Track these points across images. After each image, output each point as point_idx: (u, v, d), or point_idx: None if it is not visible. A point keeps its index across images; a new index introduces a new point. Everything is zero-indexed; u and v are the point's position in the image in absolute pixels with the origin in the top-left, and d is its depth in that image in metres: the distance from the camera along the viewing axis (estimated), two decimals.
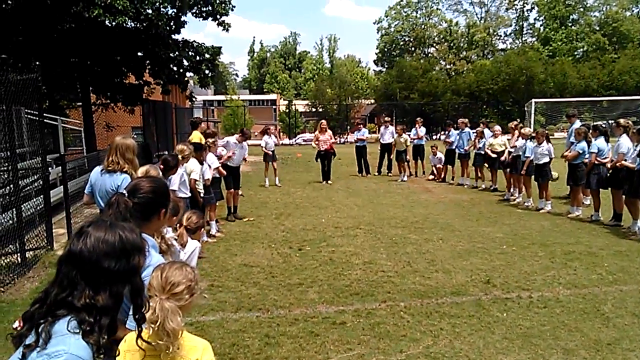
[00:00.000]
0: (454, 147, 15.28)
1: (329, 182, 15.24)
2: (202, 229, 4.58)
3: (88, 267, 1.55)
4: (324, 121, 16.74)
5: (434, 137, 39.35)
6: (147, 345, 1.98)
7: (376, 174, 17.45)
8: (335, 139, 18.08)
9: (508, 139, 12.66)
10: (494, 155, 12.90)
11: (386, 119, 18.66)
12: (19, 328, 5.10)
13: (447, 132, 16.15)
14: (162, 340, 2.01)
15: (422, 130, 16.89)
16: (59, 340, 1.45)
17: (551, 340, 4.66)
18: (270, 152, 14.74)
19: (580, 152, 9.83)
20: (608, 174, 9.39)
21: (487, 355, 4.39)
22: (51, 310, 1.51)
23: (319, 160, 15.62)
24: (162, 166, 6.16)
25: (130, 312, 1.78)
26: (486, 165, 13.73)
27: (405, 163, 15.90)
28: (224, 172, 9.66)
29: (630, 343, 4.59)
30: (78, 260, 1.56)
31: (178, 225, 4.30)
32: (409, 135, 16.67)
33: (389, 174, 17.11)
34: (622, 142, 8.96)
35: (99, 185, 4.84)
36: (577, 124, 11.54)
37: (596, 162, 9.44)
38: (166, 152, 20.35)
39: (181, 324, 2.05)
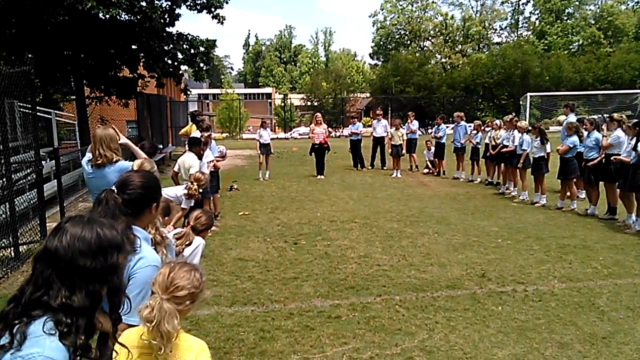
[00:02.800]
0: (442, 141, 15.33)
1: (323, 176, 15.21)
2: (209, 230, 4.48)
3: (62, 265, 1.50)
4: (319, 114, 16.71)
5: (429, 130, 39.36)
6: (141, 342, 1.95)
7: (369, 167, 17.43)
8: (330, 132, 18.01)
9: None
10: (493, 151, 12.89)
11: (378, 112, 18.64)
12: None
13: (437, 127, 16.15)
14: (155, 340, 1.98)
15: (414, 125, 16.88)
16: (34, 342, 1.41)
17: (546, 333, 4.67)
18: (266, 145, 14.69)
19: (571, 146, 9.84)
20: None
21: (482, 348, 4.39)
22: (27, 309, 1.47)
23: (313, 154, 15.59)
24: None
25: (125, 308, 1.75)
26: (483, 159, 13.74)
27: (400, 158, 15.83)
28: (220, 166, 9.64)
29: (624, 336, 4.60)
30: (53, 258, 1.51)
31: (187, 222, 4.24)
32: (403, 129, 16.65)
33: (383, 168, 17.07)
34: (617, 135, 8.98)
35: (94, 182, 4.73)
36: (572, 117, 11.51)
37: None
38: (160, 146, 20.28)
39: (177, 327, 2.01)
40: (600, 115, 23.71)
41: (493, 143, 12.92)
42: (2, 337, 1.44)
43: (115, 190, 2.38)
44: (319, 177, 15.14)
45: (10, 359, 1.39)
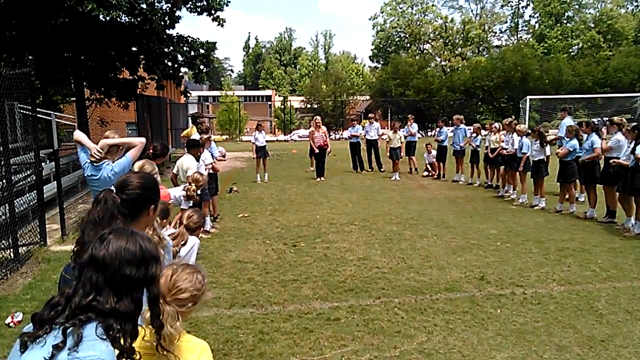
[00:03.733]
0: (444, 145, 15.34)
1: (323, 178, 15.23)
2: (202, 228, 4.56)
3: (110, 273, 1.58)
4: (318, 117, 16.70)
5: (429, 133, 39.40)
6: (144, 344, 1.96)
7: (369, 169, 17.45)
8: (330, 136, 17.99)
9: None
10: (492, 154, 12.91)
11: (369, 115, 18.73)
12: (11, 324, 5.04)
13: (438, 130, 16.18)
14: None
15: (413, 127, 16.91)
16: (89, 345, 1.48)
17: (545, 336, 4.67)
18: (261, 147, 14.67)
19: (571, 149, 9.85)
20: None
21: (480, 351, 4.40)
22: (76, 313, 1.53)
23: (312, 156, 15.59)
24: (150, 151, 6.23)
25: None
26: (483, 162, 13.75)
27: (399, 161, 15.84)
28: (219, 168, 9.65)
29: (623, 340, 4.60)
30: (101, 265, 1.58)
31: (178, 223, 4.27)
32: (403, 132, 16.69)
33: (381, 171, 17.09)
34: (617, 139, 9.00)
35: (94, 183, 4.76)
36: (568, 120, 11.53)
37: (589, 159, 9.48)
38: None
39: (180, 329, 2.03)
40: (600, 119, 23.74)
41: (492, 146, 12.94)
42: (43, 340, 1.50)
43: (114, 190, 2.38)
44: (318, 179, 15.15)
45: (67, 358, 1.46)
